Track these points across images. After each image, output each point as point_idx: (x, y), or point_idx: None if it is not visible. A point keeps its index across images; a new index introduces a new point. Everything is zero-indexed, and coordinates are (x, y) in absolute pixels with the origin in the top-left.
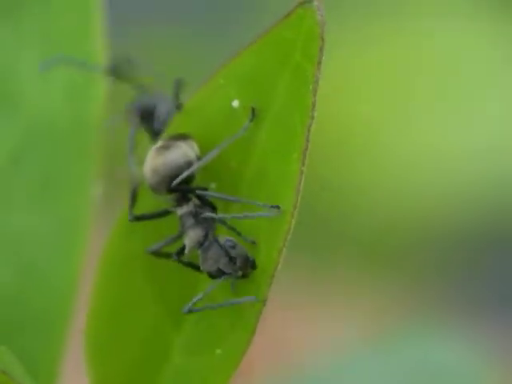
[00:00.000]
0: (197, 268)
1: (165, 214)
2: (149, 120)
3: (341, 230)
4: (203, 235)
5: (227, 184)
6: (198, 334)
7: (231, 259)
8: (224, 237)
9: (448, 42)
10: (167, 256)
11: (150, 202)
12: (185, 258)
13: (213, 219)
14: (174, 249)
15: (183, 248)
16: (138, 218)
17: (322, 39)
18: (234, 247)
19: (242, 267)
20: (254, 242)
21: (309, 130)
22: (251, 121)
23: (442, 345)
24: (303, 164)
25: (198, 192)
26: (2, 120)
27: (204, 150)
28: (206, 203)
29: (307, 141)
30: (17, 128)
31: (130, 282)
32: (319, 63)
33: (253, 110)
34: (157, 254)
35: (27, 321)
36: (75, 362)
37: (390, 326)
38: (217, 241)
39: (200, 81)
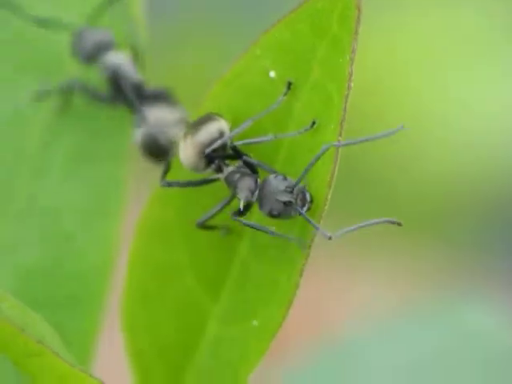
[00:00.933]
0: (256, 227)
1: (200, 183)
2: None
3: (378, 195)
4: (253, 182)
5: (264, 154)
6: (235, 305)
7: (287, 189)
8: (271, 174)
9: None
10: (215, 228)
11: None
12: (241, 218)
13: (256, 169)
14: (218, 221)
15: (239, 210)
16: (170, 184)
17: (359, 9)
18: (285, 178)
19: (300, 194)
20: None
21: (346, 101)
22: (285, 94)
23: (478, 312)
24: (340, 134)
25: (245, 158)
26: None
27: (241, 119)
28: (246, 164)
29: (344, 111)
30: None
31: (166, 252)
32: (356, 33)
33: (288, 83)
34: (206, 226)
35: (64, 293)
36: (112, 334)
37: (428, 293)
38: (266, 178)
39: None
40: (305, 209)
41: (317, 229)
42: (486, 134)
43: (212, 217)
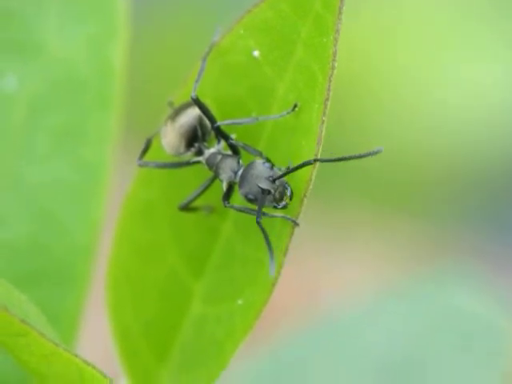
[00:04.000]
0: (248, 211)
1: (177, 165)
2: None
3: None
4: (236, 162)
5: (248, 134)
6: (218, 283)
7: (269, 178)
8: (259, 159)
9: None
10: (198, 210)
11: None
12: (230, 202)
13: (238, 152)
14: (201, 201)
15: (225, 193)
16: (146, 164)
17: None
18: (272, 168)
19: (280, 187)
20: (288, 169)
21: (330, 80)
22: (288, 113)
23: (463, 291)
24: (324, 114)
25: (230, 141)
26: (24, 69)
27: (224, 97)
28: (230, 146)
29: (328, 90)
30: (37, 77)
31: (150, 231)
32: (340, 13)
33: (294, 105)
34: (189, 209)
35: (48, 270)
36: (97, 310)
37: (413, 271)
38: (253, 161)
39: None
40: (282, 203)
41: (289, 219)
42: (466, 109)
43: (194, 199)
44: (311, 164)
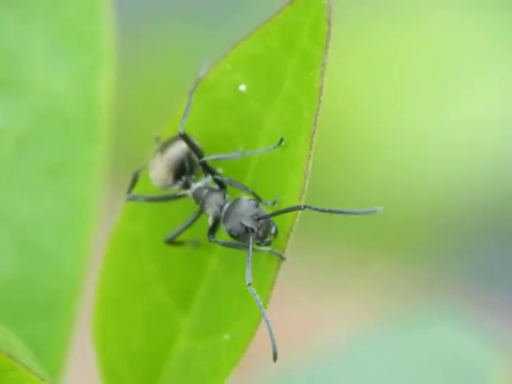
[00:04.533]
0: (233, 246)
1: (165, 199)
2: None
3: (349, 203)
4: (222, 197)
5: (234, 168)
6: (205, 317)
7: (253, 216)
8: (245, 197)
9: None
10: (184, 244)
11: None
12: (216, 237)
13: (224, 186)
14: (187, 234)
15: (211, 228)
16: (135, 198)
17: (329, 23)
18: (258, 206)
19: (264, 225)
20: (274, 203)
21: (316, 114)
22: (274, 147)
23: (448, 329)
24: (311, 148)
25: (215, 176)
26: (11, 104)
27: (210, 133)
28: (216, 181)
29: (315, 125)
30: (25, 112)
31: (136, 265)
32: (326, 47)
33: (280, 140)
34: (174, 242)
35: (35, 302)
36: (84, 345)
37: (397, 308)
38: (239, 198)
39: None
40: (266, 240)
41: (276, 254)
42: (461, 145)
43: (180, 233)
44: (300, 209)
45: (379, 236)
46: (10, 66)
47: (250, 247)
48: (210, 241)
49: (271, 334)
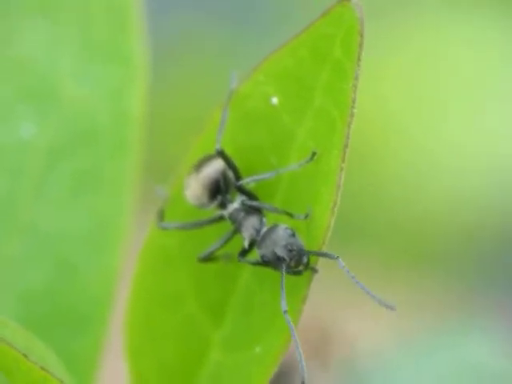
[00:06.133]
0: (263, 265)
1: (198, 225)
2: None
3: (376, 225)
4: (258, 222)
5: (267, 181)
6: (237, 331)
7: (287, 246)
8: (283, 225)
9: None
10: (217, 258)
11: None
12: (247, 257)
13: (260, 209)
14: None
15: (244, 249)
16: (166, 227)
17: (362, 35)
18: (294, 235)
19: (296, 256)
20: (307, 216)
21: (349, 127)
22: (307, 162)
23: (479, 344)
24: (343, 161)
25: (245, 202)
26: (42, 116)
27: (243, 146)
28: (250, 197)
29: (347, 138)
30: (56, 124)
31: (168, 279)
32: (359, 59)
33: (313, 153)
34: (208, 260)
35: (65, 317)
36: (115, 357)
37: (428, 323)
38: (276, 226)
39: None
40: (297, 270)
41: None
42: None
43: (214, 252)
44: (333, 258)
45: (412, 248)
46: (40, 80)
47: (283, 275)
48: (240, 261)
49: (301, 359)
